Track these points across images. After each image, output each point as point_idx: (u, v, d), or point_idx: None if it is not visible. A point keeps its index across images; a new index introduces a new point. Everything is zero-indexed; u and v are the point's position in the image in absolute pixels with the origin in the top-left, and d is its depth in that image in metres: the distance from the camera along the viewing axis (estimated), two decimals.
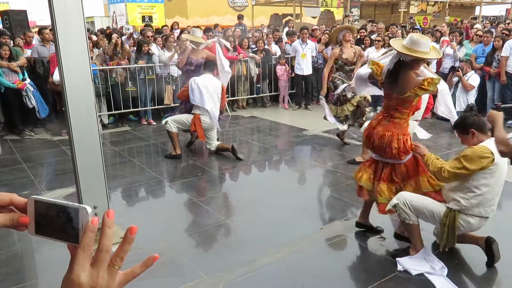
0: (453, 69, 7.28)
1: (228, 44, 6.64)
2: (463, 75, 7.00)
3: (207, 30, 9.12)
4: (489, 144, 2.88)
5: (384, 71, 3.47)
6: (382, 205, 3.45)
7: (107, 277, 0.65)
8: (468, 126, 3.02)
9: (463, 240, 3.26)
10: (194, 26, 11.36)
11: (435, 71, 8.12)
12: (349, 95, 5.81)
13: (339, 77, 5.89)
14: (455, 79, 7.18)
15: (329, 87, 6.15)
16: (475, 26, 10.51)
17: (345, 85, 5.81)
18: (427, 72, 3.32)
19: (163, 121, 5.92)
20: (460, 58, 7.84)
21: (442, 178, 3.02)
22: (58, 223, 0.67)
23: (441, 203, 3.16)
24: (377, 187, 3.49)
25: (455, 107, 7.04)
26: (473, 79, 7.05)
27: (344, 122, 6.12)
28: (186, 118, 5.76)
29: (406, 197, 3.17)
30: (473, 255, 3.29)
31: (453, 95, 7.22)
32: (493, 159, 2.83)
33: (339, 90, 5.85)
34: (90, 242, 0.64)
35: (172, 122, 5.74)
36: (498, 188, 2.99)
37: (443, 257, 3.25)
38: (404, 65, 3.31)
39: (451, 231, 3.06)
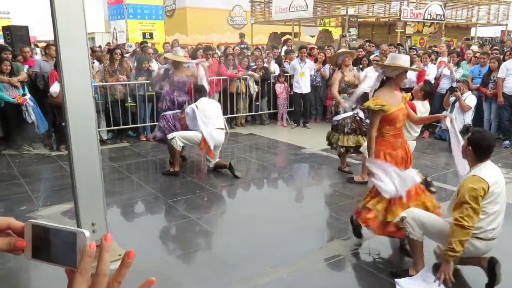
0: (451, 89, 7.35)
1: (206, 65, 6.77)
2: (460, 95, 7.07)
3: (207, 49, 9.20)
4: (482, 171, 2.91)
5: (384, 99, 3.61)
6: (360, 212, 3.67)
7: None
8: (473, 142, 3.00)
9: (465, 262, 3.24)
10: (198, 44, 11.50)
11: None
12: (346, 129, 5.78)
13: (344, 99, 5.90)
14: (452, 99, 7.24)
15: (331, 111, 6.18)
16: (471, 48, 10.66)
17: (345, 115, 5.80)
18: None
19: (169, 136, 5.80)
20: (457, 79, 7.93)
21: (469, 228, 2.81)
22: (56, 248, 0.67)
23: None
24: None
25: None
26: (470, 99, 7.11)
27: (333, 149, 6.15)
28: (196, 135, 5.75)
29: (415, 212, 3.20)
30: (473, 277, 3.27)
31: None
32: (488, 186, 2.84)
33: (338, 117, 5.87)
34: (88, 266, 0.65)
35: (180, 139, 5.72)
36: (496, 212, 2.97)
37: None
38: (387, 80, 3.66)
39: None
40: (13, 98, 6.69)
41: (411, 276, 3.19)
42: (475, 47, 11.24)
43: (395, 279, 3.19)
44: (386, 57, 8.32)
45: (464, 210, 2.81)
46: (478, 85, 7.82)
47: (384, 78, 3.67)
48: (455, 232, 2.81)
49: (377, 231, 3.57)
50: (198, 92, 6.06)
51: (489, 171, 2.95)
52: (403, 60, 3.60)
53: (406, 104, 3.74)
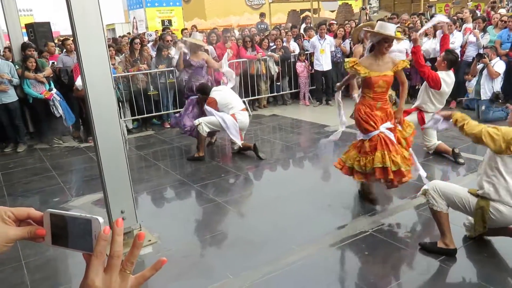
0: (479, 55, 7.09)
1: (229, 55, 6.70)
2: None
3: (225, 31, 9.17)
4: None
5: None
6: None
7: (119, 281, 0.70)
8: None
9: (496, 232, 3.18)
10: (214, 28, 11.47)
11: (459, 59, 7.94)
12: None
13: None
14: (479, 66, 7.00)
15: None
16: (499, 11, 10.19)
17: None
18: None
19: (196, 122, 5.85)
20: (483, 46, 7.63)
21: (476, 139, 2.94)
22: (73, 234, 0.71)
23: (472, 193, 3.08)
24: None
25: (480, 95, 6.92)
26: (499, 65, 6.85)
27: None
28: (221, 116, 5.80)
29: (437, 183, 3.17)
30: (504, 248, 3.21)
31: (478, 83, 7.04)
32: None
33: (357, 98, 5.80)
34: (103, 250, 0.69)
35: (206, 124, 5.78)
36: None
37: (472, 250, 3.20)
38: (374, 47, 3.92)
39: (479, 217, 2.98)
40: (40, 94, 6.90)
41: (438, 248, 3.16)
42: (503, 10, 10.74)
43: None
44: (408, 28, 8.11)
45: (494, 133, 2.81)
46: (507, 50, 7.51)
47: (371, 45, 3.96)
48: (477, 134, 2.88)
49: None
50: (202, 90, 6.04)
51: None
52: (385, 27, 3.76)
53: (399, 71, 3.92)
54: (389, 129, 3.89)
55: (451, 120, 3.09)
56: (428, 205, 3.19)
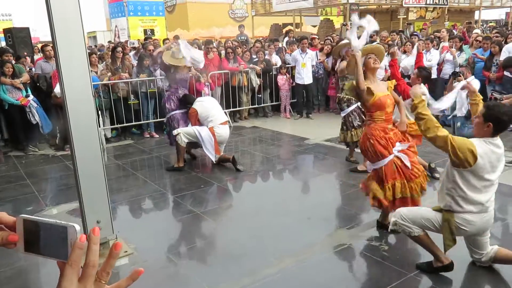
0: (454, 74, 7.30)
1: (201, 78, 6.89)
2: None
3: (207, 43, 9.19)
4: (480, 144, 2.85)
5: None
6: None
7: None
8: (493, 117, 2.84)
9: (500, 260, 3.15)
10: (195, 39, 11.49)
11: (436, 77, 8.16)
12: (355, 123, 5.67)
13: (346, 96, 5.77)
14: (456, 84, 7.18)
15: (338, 107, 6.10)
16: (474, 31, 10.55)
17: (351, 108, 5.71)
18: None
19: (174, 132, 5.80)
20: (460, 64, 7.86)
21: (428, 138, 2.99)
22: (47, 241, 0.69)
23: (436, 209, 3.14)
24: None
25: (455, 112, 7.10)
26: (474, 84, 7.05)
27: (349, 145, 5.98)
28: (198, 130, 5.76)
29: (401, 212, 3.19)
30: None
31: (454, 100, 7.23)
32: (475, 159, 2.80)
33: (344, 114, 5.79)
34: (78, 259, 0.67)
35: (184, 135, 5.71)
36: (483, 187, 2.91)
37: (480, 279, 3.17)
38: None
39: (447, 230, 3.00)
40: (16, 100, 6.75)
41: (435, 267, 3.15)
42: (477, 30, 11.12)
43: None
44: (388, 45, 8.28)
45: (449, 140, 2.87)
46: (478, 53, 7.81)
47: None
48: (433, 135, 2.96)
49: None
50: (185, 100, 6.02)
51: (487, 146, 2.85)
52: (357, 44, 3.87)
53: (392, 91, 3.99)
54: (403, 151, 3.75)
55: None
56: (405, 234, 3.17)
